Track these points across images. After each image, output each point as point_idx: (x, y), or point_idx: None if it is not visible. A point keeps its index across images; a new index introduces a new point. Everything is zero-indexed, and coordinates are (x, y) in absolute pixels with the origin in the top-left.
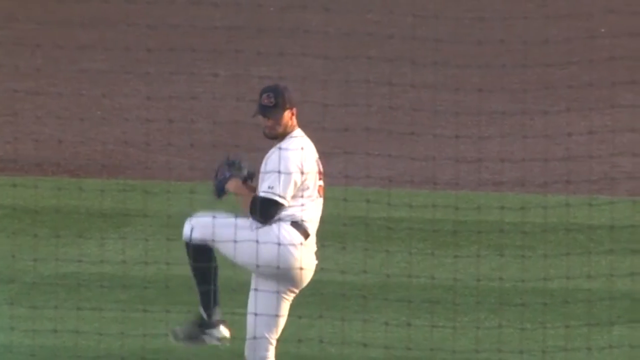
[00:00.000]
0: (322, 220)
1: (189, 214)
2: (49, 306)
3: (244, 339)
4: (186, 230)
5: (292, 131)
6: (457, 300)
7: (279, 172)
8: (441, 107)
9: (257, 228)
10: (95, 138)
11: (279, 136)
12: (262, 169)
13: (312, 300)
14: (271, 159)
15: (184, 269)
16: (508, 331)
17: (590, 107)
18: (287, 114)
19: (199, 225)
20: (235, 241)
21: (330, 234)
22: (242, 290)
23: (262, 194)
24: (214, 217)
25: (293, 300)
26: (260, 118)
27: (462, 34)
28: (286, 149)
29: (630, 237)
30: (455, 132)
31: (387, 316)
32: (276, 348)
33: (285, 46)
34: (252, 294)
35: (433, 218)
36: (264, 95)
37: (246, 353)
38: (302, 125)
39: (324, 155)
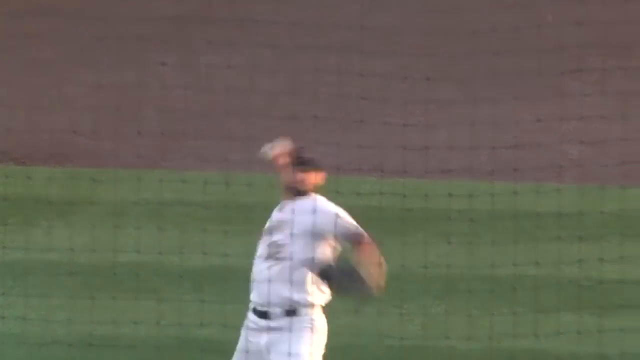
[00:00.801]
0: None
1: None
2: None
3: (190, 326)
4: None
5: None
6: (404, 287)
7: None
8: (389, 96)
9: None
10: (43, 127)
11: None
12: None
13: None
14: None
15: (131, 256)
16: (455, 318)
17: (538, 96)
18: (308, 175)
19: None
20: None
21: None
22: (187, 276)
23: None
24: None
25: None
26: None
27: (410, 23)
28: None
29: (578, 224)
30: (404, 121)
31: (336, 303)
32: None
33: (234, 35)
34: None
35: (381, 206)
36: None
37: None
38: (248, 114)
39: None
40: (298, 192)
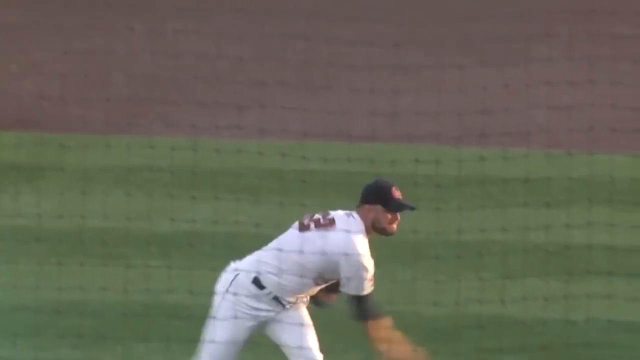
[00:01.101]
0: (237, 174)
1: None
2: None
3: (157, 291)
4: None
5: None
6: (371, 253)
7: None
8: (356, 61)
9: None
10: (10, 92)
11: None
12: None
13: (226, 253)
14: None
15: (99, 222)
16: (422, 283)
17: (505, 61)
18: None
19: None
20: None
21: (245, 187)
22: (155, 242)
23: None
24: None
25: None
26: (390, 216)
27: None
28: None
29: (545, 189)
30: (371, 86)
31: None
32: None
33: (202, 1)
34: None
35: (348, 171)
36: (397, 190)
37: None
38: (216, 79)
39: (238, 109)
40: None
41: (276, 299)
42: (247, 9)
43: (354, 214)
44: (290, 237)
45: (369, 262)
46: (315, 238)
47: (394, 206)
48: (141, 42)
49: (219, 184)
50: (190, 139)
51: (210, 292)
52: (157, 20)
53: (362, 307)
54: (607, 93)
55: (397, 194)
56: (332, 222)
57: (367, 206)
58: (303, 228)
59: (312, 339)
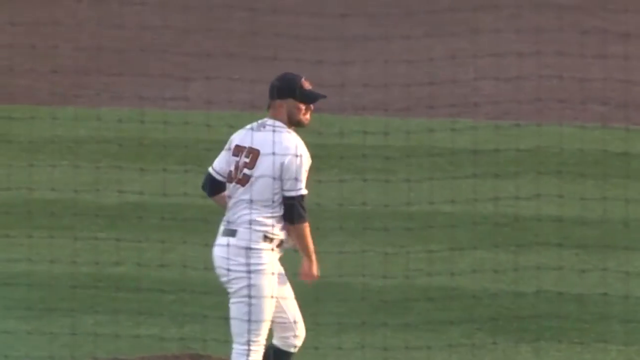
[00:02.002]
0: (185, 146)
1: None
2: None
3: (104, 263)
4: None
5: None
6: (319, 225)
7: None
8: (302, 32)
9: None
10: None
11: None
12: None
13: (174, 225)
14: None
15: (46, 193)
16: (370, 255)
17: (451, 32)
18: None
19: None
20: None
21: (193, 159)
22: (102, 214)
23: None
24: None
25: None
26: (304, 106)
27: None
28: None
29: (493, 161)
30: (317, 57)
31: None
32: None
33: None
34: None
35: None
36: (305, 81)
37: None
38: (161, 50)
39: (184, 80)
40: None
41: (280, 242)
42: None
43: (268, 122)
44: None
45: (307, 158)
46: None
47: (306, 97)
48: (87, 13)
49: (167, 156)
50: (137, 110)
51: (158, 265)
52: None
53: (303, 206)
54: (554, 64)
55: (306, 84)
56: (256, 154)
57: (278, 102)
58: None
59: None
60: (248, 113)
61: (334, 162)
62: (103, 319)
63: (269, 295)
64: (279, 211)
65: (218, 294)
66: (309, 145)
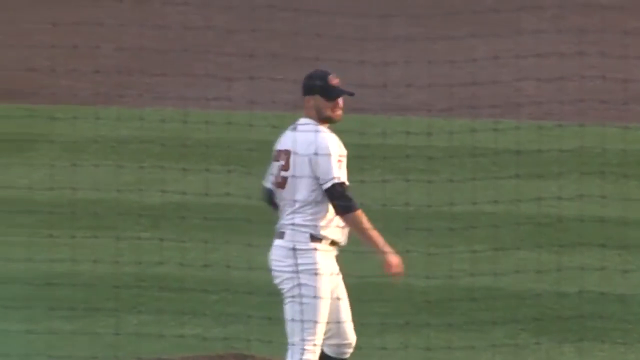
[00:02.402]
0: (227, 146)
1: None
2: None
3: (148, 263)
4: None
5: None
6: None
7: None
8: (345, 32)
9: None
10: None
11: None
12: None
13: (217, 225)
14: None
15: (89, 193)
16: (414, 256)
17: (495, 32)
18: None
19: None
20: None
21: (235, 159)
22: (145, 214)
23: None
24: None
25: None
26: (336, 100)
27: None
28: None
29: (536, 161)
30: (360, 57)
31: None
32: None
33: None
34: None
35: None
36: (331, 76)
37: None
38: (204, 51)
39: (227, 81)
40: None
41: (333, 242)
42: None
43: (300, 121)
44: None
45: (336, 148)
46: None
47: (330, 92)
48: (129, 13)
49: (210, 156)
50: (180, 110)
51: (201, 264)
52: None
53: (345, 196)
54: (597, 64)
55: (334, 81)
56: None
57: (307, 97)
58: (280, 184)
59: None
60: (290, 113)
61: (377, 162)
62: (146, 319)
63: (322, 296)
64: (325, 209)
65: (261, 294)
66: (351, 145)
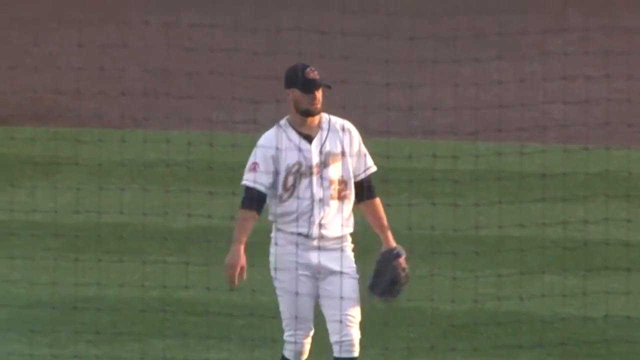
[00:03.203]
0: None
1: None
2: None
3: (174, 287)
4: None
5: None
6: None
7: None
8: (371, 55)
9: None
10: (25, 86)
11: (316, 124)
12: (341, 149)
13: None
14: (355, 139)
15: (115, 217)
16: (439, 279)
17: (521, 55)
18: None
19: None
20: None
21: None
22: (171, 238)
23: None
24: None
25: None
26: (306, 96)
27: None
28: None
29: (561, 184)
30: (386, 80)
31: None
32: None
33: None
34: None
35: None
36: (308, 70)
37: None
38: (231, 73)
39: (254, 103)
40: (317, 114)
41: (299, 235)
42: (262, 2)
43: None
44: None
45: (254, 152)
46: None
47: (307, 86)
48: (156, 35)
49: (236, 179)
50: (206, 133)
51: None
52: (172, 13)
53: (245, 196)
54: (623, 87)
55: (311, 74)
56: None
57: (287, 91)
58: None
59: None
60: None
61: (404, 186)
62: (172, 343)
63: (289, 290)
64: (276, 203)
65: None
66: (377, 168)
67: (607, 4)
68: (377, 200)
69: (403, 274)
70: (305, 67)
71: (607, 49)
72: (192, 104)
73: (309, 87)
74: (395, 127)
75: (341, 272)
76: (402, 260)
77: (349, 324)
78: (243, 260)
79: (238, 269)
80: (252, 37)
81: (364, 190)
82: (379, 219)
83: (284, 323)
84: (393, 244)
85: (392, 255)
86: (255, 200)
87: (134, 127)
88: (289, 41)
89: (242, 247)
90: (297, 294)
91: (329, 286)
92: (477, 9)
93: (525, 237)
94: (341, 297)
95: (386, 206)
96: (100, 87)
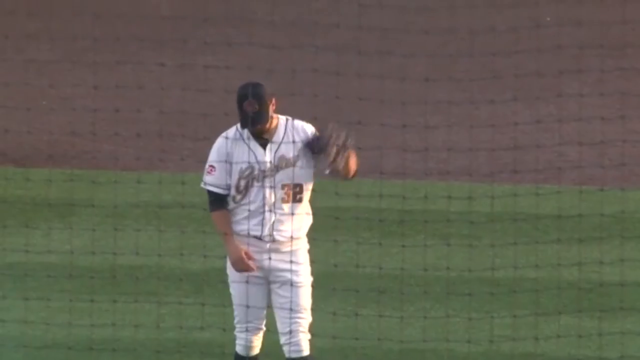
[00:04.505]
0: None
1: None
2: None
3: (190, 328)
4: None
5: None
6: (404, 290)
7: None
8: (387, 97)
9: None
10: (41, 127)
11: (269, 130)
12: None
13: None
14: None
15: (130, 258)
16: (455, 321)
17: (537, 96)
18: (270, 108)
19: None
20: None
21: None
22: (187, 279)
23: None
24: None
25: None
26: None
27: (407, 22)
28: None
29: (577, 226)
30: (402, 122)
31: (334, 306)
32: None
33: (231, 35)
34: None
35: (380, 207)
36: (246, 103)
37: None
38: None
39: None
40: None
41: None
42: (277, 44)
43: None
44: None
45: (211, 153)
46: None
47: (242, 121)
48: (171, 77)
49: None
50: None
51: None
52: (187, 55)
53: (209, 199)
54: (639, 128)
55: (248, 107)
56: None
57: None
58: None
59: None
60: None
61: (419, 227)
62: None
63: (238, 287)
64: (233, 203)
65: None
66: (393, 210)
67: (623, 46)
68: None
69: (331, 139)
70: (246, 97)
71: (623, 90)
72: (207, 146)
73: (244, 122)
74: (411, 168)
75: (291, 283)
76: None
77: (299, 332)
78: (242, 247)
79: (245, 258)
80: (267, 79)
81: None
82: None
83: (235, 320)
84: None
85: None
86: (219, 200)
87: (149, 168)
88: (304, 83)
89: (232, 238)
90: (247, 294)
91: (280, 298)
92: (492, 50)
93: (541, 279)
94: (290, 309)
95: (401, 247)
96: (115, 128)
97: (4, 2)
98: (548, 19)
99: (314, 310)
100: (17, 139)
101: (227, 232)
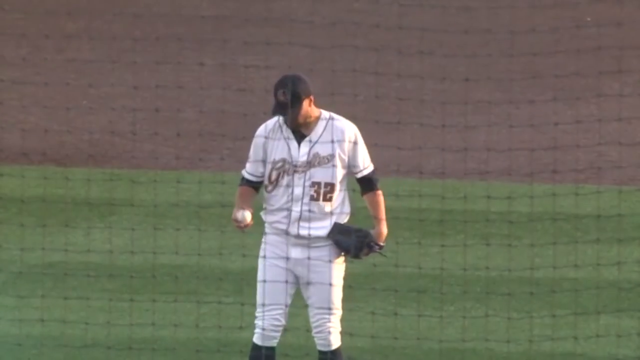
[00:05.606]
0: None
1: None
2: (35, 295)
3: (229, 328)
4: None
5: (318, 115)
6: (443, 290)
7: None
8: (427, 97)
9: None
10: (81, 127)
11: (301, 126)
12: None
13: (298, 290)
14: (352, 143)
15: (170, 258)
16: (494, 320)
17: (577, 96)
18: (305, 103)
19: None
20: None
21: None
22: (227, 278)
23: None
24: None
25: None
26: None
27: (448, 23)
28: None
29: (617, 226)
30: (442, 122)
31: (374, 305)
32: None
33: (272, 35)
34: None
35: (419, 207)
36: (279, 92)
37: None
38: None
39: None
40: (295, 128)
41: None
42: (317, 44)
43: None
44: None
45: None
46: None
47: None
48: (212, 76)
49: None
50: None
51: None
52: (227, 55)
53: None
54: None
55: (282, 96)
56: None
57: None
58: None
59: None
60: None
61: (459, 227)
62: None
63: (259, 278)
64: (265, 192)
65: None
66: (433, 210)
67: None
68: (376, 193)
69: (364, 250)
70: (280, 86)
71: None
72: (247, 145)
73: (274, 109)
74: (451, 168)
75: (310, 281)
76: (367, 249)
77: (328, 327)
78: (235, 212)
79: (237, 220)
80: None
81: (363, 184)
82: (374, 210)
83: (257, 304)
84: (380, 235)
85: (367, 237)
86: (247, 183)
87: (189, 168)
88: (344, 83)
89: (236, 209)
90: (264, 282)
91: (307, 293)
92: (533, 50)
93: (581, 278)
94: (318, 307)
95: (441, 247)
96: (155, 128)
97: (44, 2)
98: (588, 19)
99: (353, 310)
100: (58, 139)
101: (238, 205)
